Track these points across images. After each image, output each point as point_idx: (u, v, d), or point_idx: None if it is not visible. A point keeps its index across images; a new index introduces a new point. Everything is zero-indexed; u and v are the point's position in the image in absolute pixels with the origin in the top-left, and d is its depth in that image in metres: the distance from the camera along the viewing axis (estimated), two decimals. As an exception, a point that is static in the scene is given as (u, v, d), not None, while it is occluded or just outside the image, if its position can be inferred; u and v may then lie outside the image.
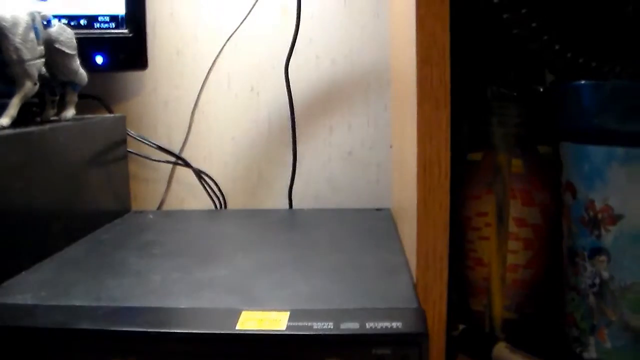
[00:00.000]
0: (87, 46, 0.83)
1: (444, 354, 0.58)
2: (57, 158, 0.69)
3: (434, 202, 0.55)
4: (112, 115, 0.94)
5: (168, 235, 0.75)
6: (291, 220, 0.83)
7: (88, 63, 0.81)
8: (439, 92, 0.53)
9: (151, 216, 0.87)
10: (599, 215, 0.51)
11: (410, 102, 0.56)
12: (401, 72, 0.69)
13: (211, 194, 0.96)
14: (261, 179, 0.99)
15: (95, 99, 0.94)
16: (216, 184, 0.97)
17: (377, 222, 0.78)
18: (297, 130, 0.94)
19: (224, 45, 0.96)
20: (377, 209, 0.86)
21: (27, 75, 0.68)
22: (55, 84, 0.78)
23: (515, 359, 0.58)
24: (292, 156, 0.93)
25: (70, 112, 0.80)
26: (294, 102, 0.92)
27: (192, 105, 0.98)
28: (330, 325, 0.46)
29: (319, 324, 0.46)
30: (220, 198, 0.97)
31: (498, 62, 0.64)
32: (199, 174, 0.96)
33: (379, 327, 0.46)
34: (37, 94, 0.71)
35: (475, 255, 0.62)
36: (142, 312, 0.50)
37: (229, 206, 0.98)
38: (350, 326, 0.46)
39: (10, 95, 0.68)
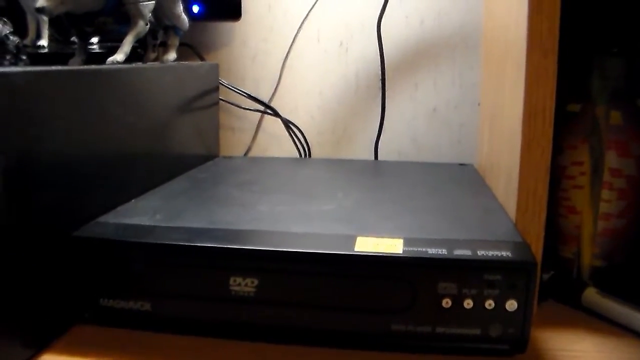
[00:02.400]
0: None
1: (536, 298, 0.61)
2: (154, 96, 0.73)
3: (537, 147, 0.57)
4: (206, 62, 0.97)
5: (262, 176, 0.79)
6: (377, 169, 0.86)
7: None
8: (548, 42, 0.56)
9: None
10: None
11: (517, 53, 0.59)
12: (500, 29, 0.71)
13: (297, 143, 0.99)
14: (346, 132, 1.02)
15: (189, 47, 0.98)
16: (302, 134, 1.00)
17: (463, 174, 0.80)
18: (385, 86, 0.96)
19: (315, 2, 0.99)
20: (461, 164, 0.88)
21: (140, 14, 0.72)
22: (158, 28, 0.81)
23: (606, 303, 0.60)
24: (380, 110, 0.96)
25: (171, 55, 0.83)
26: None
27: (282, 59, 1.01)
28: (444, 251, 0.49)
29: (433, 249, 0.49)
30: (306, 148, 1.00)
31: (602, 16, 0.65)
32: (286, 123, 0.99)
33: (489, 255, 0.49)
34: (139, 39, 0.75)
35: (569, 203, 0.64)
36: (258, 234, 0.54)
37: (313, 157, 1.01)
38: (463, 253, 0.49)
39: (124, 35, 0.72)
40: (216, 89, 0.94)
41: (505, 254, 0.49)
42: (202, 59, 1.00)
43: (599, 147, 0.62)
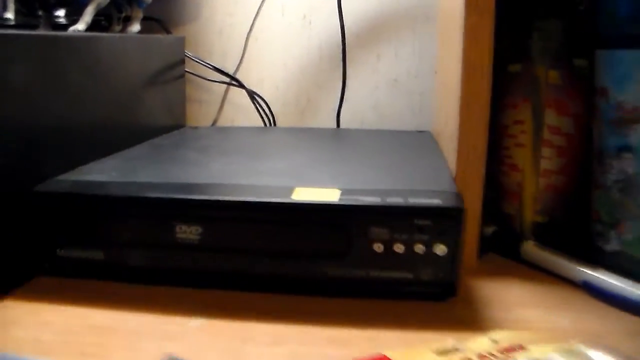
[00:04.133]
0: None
1: (477, 251, 0.64)
2: (117, 66, 0.75)
3: (475, 104, 0.60)
4: (172, 35, 0.99)
5: (224, 142, 0.82)
6: (338, 135, 0.88)
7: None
8: (485, 4, 0.58)
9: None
10: (627, 116, 0.56)
11: (458, 16, 0.61)
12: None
13: (262, 113, 1.02)
14: (310, 103, 1.04)
15: (156, 21, 1.00)
16: (267, 105, 1.02)
17: (418, 140, 0.83)
18: (346, 57, 0.98)
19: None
20: (419, 131, 0.91)
21: (100, -15, 0.74)
22: (122, 1, 0.83)
23: (542, 255, 0.63)
24: (341, 81, 0.98)
25: (135, 27, 0.85)
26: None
27: (247, 32, 1.03)
28: (378, 199, 0.51)
29: (367, 198, 0.52)
30: (271, 118, 1.02)
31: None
32: (251, 94, 1.01)
33: (419, 202, 0.51)
34: (104, 12, 0.77)
35: (511, 161, 0.67)
36: (205, 186, 0.56)
37: (278, 126, 1.03)
38: (395, 200, 0.51)
39: (85, 5, 0.74)
40: (182, 61, 0.96)
41: (435, 201, 0.51)
42: (168, 32, 1.02)
43: (539, 106, 0.64)
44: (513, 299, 0.56)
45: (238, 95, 1.05)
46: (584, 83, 0.62)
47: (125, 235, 0.55)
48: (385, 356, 0.43)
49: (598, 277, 0.57)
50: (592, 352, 0.43)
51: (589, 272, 0.58)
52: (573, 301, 0.55)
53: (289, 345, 0.46)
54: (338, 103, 0.99)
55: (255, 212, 0.52)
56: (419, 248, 0.51)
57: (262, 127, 1.00)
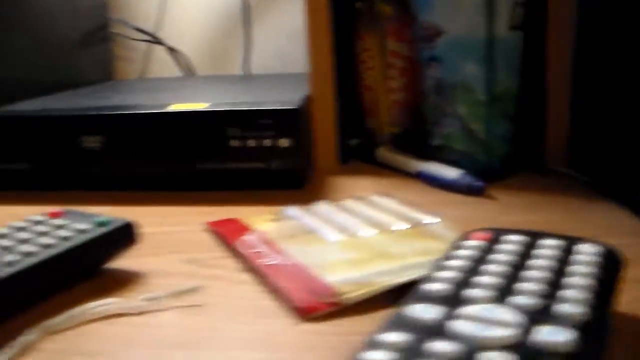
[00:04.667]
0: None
1: (339, 159, 0.78)
2: (46, 24, 0.89)
3: (321, 33, 0.75)
4: None
5: (138, 87, 0.97)
6: (239, 78, 1.03)
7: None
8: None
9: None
10: (430, 32, 0.71)
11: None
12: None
13: (181, 66, 1.16)
14: (223, 54, 1.19)
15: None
16: (185, 59, 1.17)
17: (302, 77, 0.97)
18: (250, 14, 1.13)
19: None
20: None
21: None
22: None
23: (389, 157, 0.78)
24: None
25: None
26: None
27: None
28: (235, 107, 0.67)
29: (224, 107, 0.67)
30: (189, 70, 1.17)
31: None
32: (171, 49, 1.16)
33: (264, 107, 0.66)
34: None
35: (365, 82, 0.82)
36: (106, 107, 0.70)
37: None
38: (246, 107, 0.66)
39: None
40: (105, 23, 1.10)
41: (275, 106, 0.66)
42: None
43: (381, 35, 0.79)
44: (359, 187, 0.70)
45: (162, 52, 1.19)
46: (412, 14, 0.76)
47: (45, 148, 0.69)
48: (233, 219, 0.58)
49: (426, 166, 0.71)
50: (378, 198, 0.59)
51: (421, 163, 0.72)
52: (409, 186, 0.70)
53: (171, 218, 0.60)
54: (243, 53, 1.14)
55: (141, 120, 0.67)
56: (267, 142, 0.65)
57: (179, 77, 1.15)
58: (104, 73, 1.10)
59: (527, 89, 0.72)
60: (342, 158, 0.79)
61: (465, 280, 0.32)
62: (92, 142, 0.68)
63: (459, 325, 0.28)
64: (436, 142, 0.73)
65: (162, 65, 1.19)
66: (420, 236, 0.50)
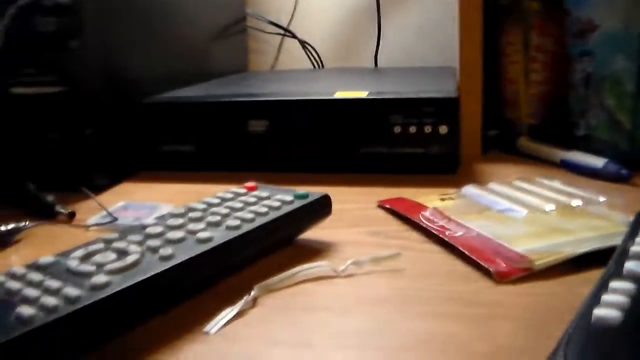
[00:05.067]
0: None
1: (480, 146, 0.82)
2: (189, 21, 0.96)
3: (473, 30, 0.79)
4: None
5: (278, 77, 1.02)
6: (374, 71, 1.08)
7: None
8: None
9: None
10: (584, 27, 0.74)
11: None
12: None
13: (312, 58, 1.22)
14: (351, 47, 1.24)
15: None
16: (316, 51, 1.22)
17: (440, 71, 1.02)
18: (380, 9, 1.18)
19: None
20: (442, 67, 1.09)
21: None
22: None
23: (532, 147, 0.81)
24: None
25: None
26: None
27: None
28: (395, 95, 0.71)
29: (386, 95, 0.71)
30: (319, 61, 1.22)
31: None
32: (302, 43, 1.22)
33: (426, 95, 0.71)
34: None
35: (508, 75, 0.85)
36: (268, 94, 0.76)
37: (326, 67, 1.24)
38: (409, 95, 0.71)
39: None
40: (243, 17, 1.17)
41: (436, 94, 0.70)
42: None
43: (526, 30, 0.82)
44: (504, 174, 0.73)
45: (292, 45, 1.25)
46: (559, 9, 0.80)
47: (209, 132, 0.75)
48: (403, 198, 0.63)
49: (571, 155, 0.75)
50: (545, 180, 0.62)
51: (565, 152, 0.76)
52: (552, 174, 0.71)
53: (343, 197, 0.60)
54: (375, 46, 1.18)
55: (309, 106, 0.72)
56: (427, 129, 0.70)
57: (311, 69, 1.20)
58: (239, 65, 1.16)
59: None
60: (483, 148, 0.83)
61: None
62: (258, 126, 0.73)
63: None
64: (581, 132, 0.76)
65: (293, 57, 1.25)
66: (586, 215, 0.54)
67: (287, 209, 0.50)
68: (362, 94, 0.71)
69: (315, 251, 0.51)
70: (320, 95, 0.72)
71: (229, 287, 0.44)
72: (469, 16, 0.78)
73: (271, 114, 0.73)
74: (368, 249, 0.50)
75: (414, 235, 0.53)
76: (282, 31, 1.22)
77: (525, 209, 0.55)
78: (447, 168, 0.71)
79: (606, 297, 0.30)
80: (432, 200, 0.59)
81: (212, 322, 0.39)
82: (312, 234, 0.53)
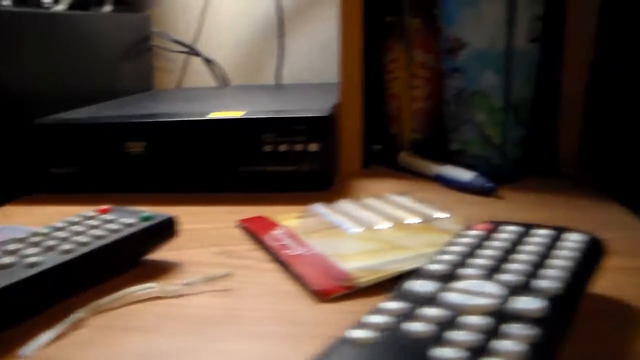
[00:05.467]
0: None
1: (362, 163, 0.84)
2: (94, 39, 0.96)
3: (352, 46, 0.80)
4: (140, 13, 1.21)
5: (177, 96, 1.02)
6: (272, 88, 1.09)
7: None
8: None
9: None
10: (454, 45, 0.76)
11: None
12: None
13: (216, 76, 1.23)
14: (257, 65, 1.25)
15: (124, 3, 1.21)
16: (221, 69, 1.23)
17: (331, 87, 1.03)
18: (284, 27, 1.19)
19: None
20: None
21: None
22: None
23: (410, 161, 0.83)
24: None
25: (107, 7, 1.06)
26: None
27: (202, 9, 1.24)
28: (271, 114, 0.72)
29: (260, 115, 0.73)
30: (223, 80, 1.23)
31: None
32: (207, 60, 1.23)
33: (298, 114, 0.72)
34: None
35: (391, 91, 0.87)
36: (147, 115, 0.76)
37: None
38: (282, 115, 0.72)
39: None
40: (148, 36, 1.17)
41: (311, 113, 0.71)
42: (136, 11, 1.23)
43: (408, 47, 0.84)
44: (381, 189, 0.74)
45: (199, 63, 1.25)
46: (437, 27, 0.82)
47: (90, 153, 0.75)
48: (262, 216, 0.64)
49: (444, 170, 0.77)
50: (395, 197, 0.64)
51: (439, 167, 0.78)
52: (427, 188, 0.75)
53: (207, 216, 0.66)
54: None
55: (184, 127, 0.73)
56: (298, 147, 0.71)
57: (214, 87, 1.21)
58: (144, 83, 1.17)
59: (542, 96, 0.77)
60: (365, 163, 0.84)
61: (461, 262, 0.38)
62: (136, 147, 0.73)
63: (449, 296, 0.33)
64: (454, 147, 0.78)
65: (198, 75, 1.25)
66: (430, 230, 0.55)
67: (128, 231, 0.50)
68: (238, 114, 0.72)
69: (161, 271, 0.51)
70: (195, 116, 0.72)
71: (63, 309, 0.44)
72: (350, 32, 0.79)
73: (148, 135, 0.73)
74: (211, 268, 0.51)
75: (260, 254, 0.54)
76: (186, 49, 1.22)
77: (363, 227, 0.56)
78: (319, 185, 0.72)
79: (367, 318, 0.31)
80: (288, 219, 0.60)
81: (29, 345, 0.39)
82: (162, 254, 0.54)
